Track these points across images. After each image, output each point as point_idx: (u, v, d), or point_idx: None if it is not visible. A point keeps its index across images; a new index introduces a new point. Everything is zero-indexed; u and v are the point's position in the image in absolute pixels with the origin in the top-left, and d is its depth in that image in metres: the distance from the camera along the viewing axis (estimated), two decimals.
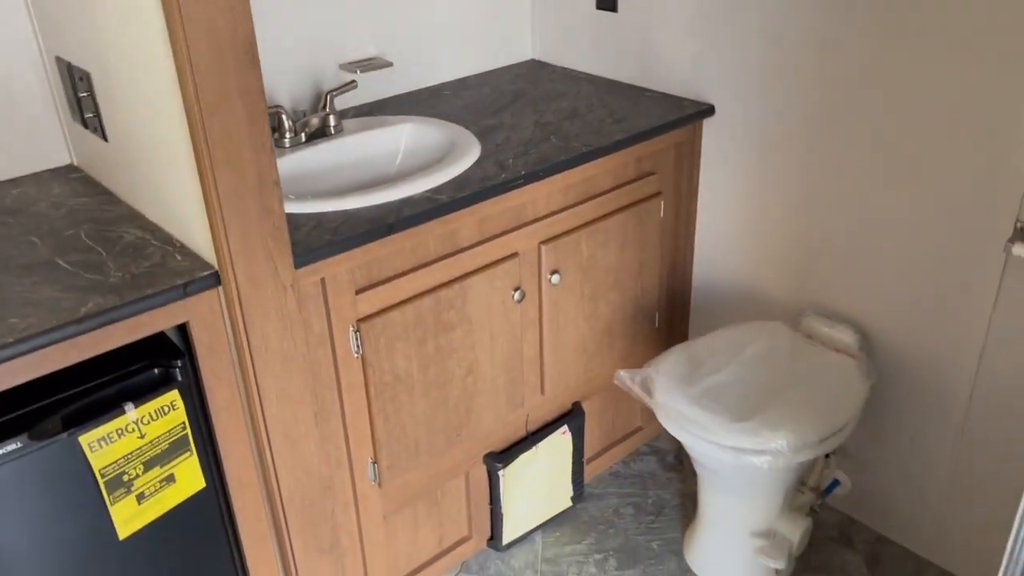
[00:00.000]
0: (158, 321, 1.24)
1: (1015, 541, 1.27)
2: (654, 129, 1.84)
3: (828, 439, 1.63)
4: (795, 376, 1.73)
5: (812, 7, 1.70)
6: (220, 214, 1.18)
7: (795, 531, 1.79)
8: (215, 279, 1.25)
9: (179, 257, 1.31)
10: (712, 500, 1.82)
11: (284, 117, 1.75)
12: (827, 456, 1.96)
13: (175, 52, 1.09)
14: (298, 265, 1.35)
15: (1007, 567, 1.29)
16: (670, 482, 2.16)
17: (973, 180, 1.57)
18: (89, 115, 1.47)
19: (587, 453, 2.12)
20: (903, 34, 1.58)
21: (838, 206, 1.80)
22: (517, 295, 1.73)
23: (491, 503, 1.92)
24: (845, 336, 1.83)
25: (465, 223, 1.61)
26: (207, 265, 1.27)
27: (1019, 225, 1.53)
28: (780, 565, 1.76)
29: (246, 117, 1.14)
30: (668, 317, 2.17)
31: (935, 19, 1.53)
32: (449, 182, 1.60)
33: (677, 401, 1.68)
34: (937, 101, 1.57)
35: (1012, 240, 1.51)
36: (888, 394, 1.86)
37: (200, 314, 1.27)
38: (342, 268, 1.45)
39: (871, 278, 1.80)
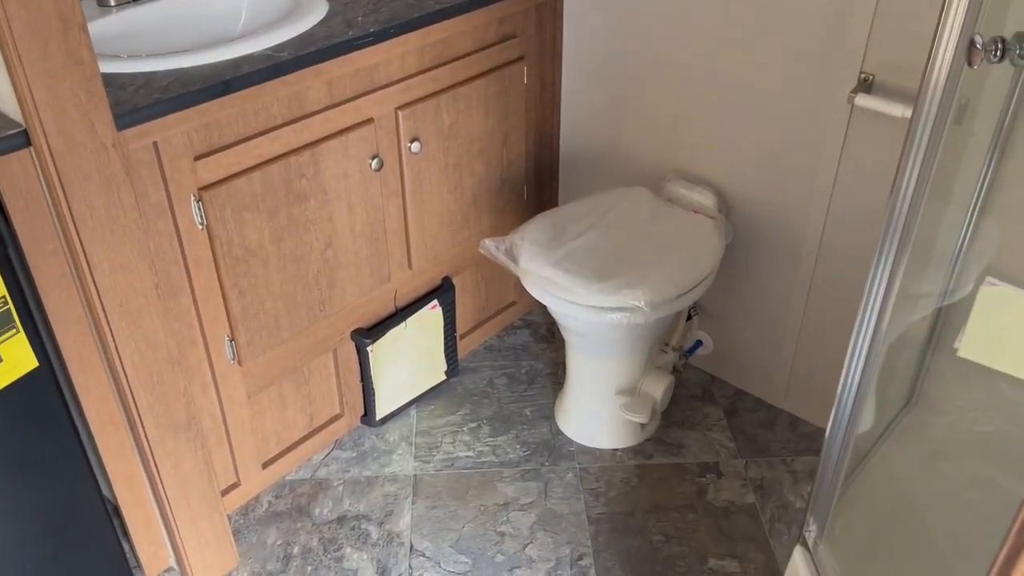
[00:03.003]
0: None
1: (845, 378, 1.35)
2: None
3: (685, 295, 1.67)
4: (654, 237, 1.76)
5: None
6: (18, 60, 1.06)
7: (658, 388, 1.86)
8: (24, 139, 1.14)
9: None
10: (579, 362, 1.86)
11: None
12: (689, 318, 2.02)
13: None
14: (123, 125, 1.25)
15: (839, 404, 1.38)
16: (543, 352, 2.20)
17: (818, 33, 1.59)
18: None
19: (460, 328, 2.12)
20: None
21: (696, 67, 1.80)
22: (375, 163, 1.67)
23: (362, 380, 1.90)
24: (704, 198, 1.86)
25: (312, 84, 1.52)
26: (14, 124, 1.15)
27: (862, 76, 1.56)
28: (643, 419, 1.83)
29: None
30: (536, 187, 2.15)
31: None
32: (292, 40, 1.50)
33: (540, 266, 1.68)
34: None
35: (855, 91, 1.54)
36: (745, 252, 1.92)
37: (11, 177, 1.16)
38: (177, 131, 1.35)
39: (728, 139, 1.82)
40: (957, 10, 0.97)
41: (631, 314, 1.61)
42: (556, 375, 2.13)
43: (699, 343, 2.09)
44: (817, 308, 1.85)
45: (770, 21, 1.64)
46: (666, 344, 1.99)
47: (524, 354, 2.20)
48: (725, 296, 2.00)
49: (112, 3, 1.60)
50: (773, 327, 1.95)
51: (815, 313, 1.86)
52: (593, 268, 1.66)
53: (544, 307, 1.74)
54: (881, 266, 1.24)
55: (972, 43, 0.96)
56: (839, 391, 1.35)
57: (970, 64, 0.97)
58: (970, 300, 1.41)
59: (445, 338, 2.03)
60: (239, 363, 1.62)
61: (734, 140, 1.81)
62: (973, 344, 1.40)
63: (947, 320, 1.59)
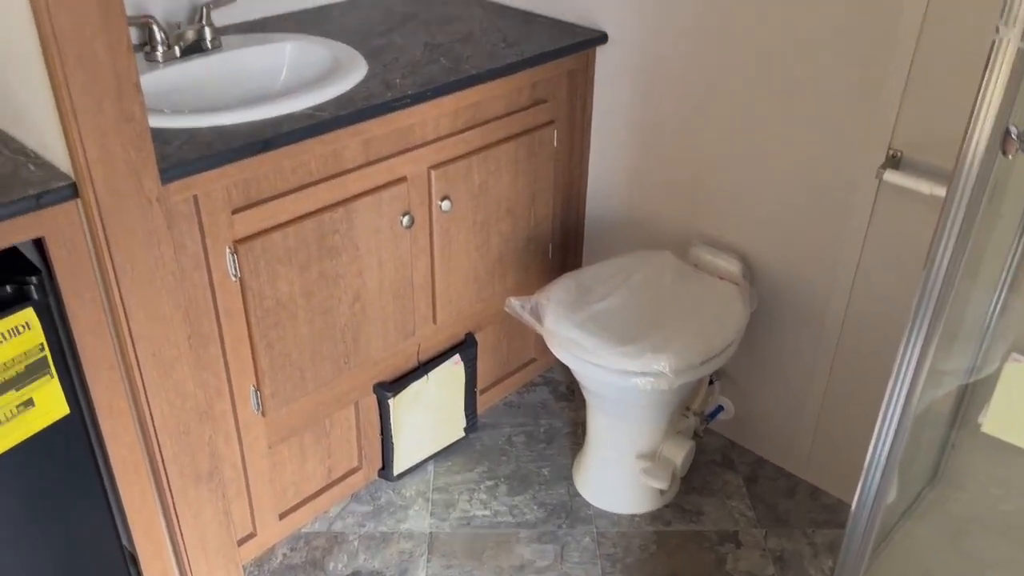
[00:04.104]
0: (8, 235, 1.15)
1: (872, 455, 1.34)
2: (546, 54, 1.81)
3: (709, 361, 1.68)
4: (679, 302, 1.77)
5: None
6: (74, 119, 1.10)
7: (678, 453, 1.85)
8: (72, 190, 1.17)
9: (33, 168, 1.21)
10: (600, 425, 1.86)
11: (156, 29, 1.64)
12: (711, 383, 2.02)
13: None
14: (167, 180, 1.28)
15: (865, 480, 1.36)
16: (562, 411, 2.19)
17: (848, 108, 1.62)
18: None
19: (480, 384, 2.12)
20: None
21: (724, 136, 1.83)
22: (406, 220, 1.70)
23: (382, 433, 1.91)
24: (729, 264, 1.87)
25: (349, 144, 1.55)
26: (63, 176, 1.18)
27: (891, 152, 1.58)
28: (663, 485, 1.81)
29: (98, 10, 1.06)
30: (561, 247, 2.17)
31: None
32: (332, 100, 1.54)
33: (565, 327, 1.69)
34: (816, 30, 1.60)
35: (884, 166, 1.56)
36: (769, 320, 1.92)
37: (57, 229, 1.19)
38: (217, 185, 1.38)
39: (755, 208, 1.84)
40: (992, 100, 0.99)
41: (655, 379, 1.61)
42: (575, 435, 2.12)
43: (720, 408, 2.08)
44: (841, 379, 1.84)
45: (799, 93, 1.67)
46: (687, 408, 1.98)
47: (543, 412, 2.19)
48: (748, 362, 2.00)
49: (160, 59, 1.65)
50: (796, 395, 1.94)
51: (839, 383, 1.85)
52: (618, 331, 1.66)
53: (564, 365, 1.74)
54: (912, 342, 1.24)
55: (1007, 133, 0.98)
56: (866, 466, 1.34)
57: (1004, 153, 0.99)
58: (996, 376, 1.41)
59: (466, 394, 2.03)
60: (263, 413, 1.63)
61: (760, 208, 1.83)
62: (997, 420, 1.39)
63: (972, 396, 1.59)
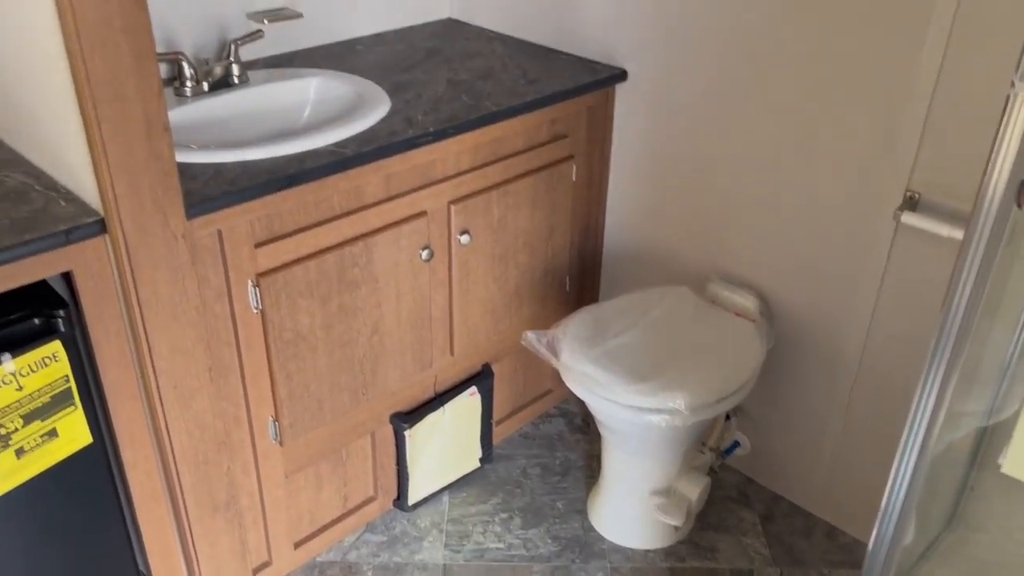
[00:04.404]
0: (38, 269, 1.18)
1: (889, 496, 1.34)
2: (566, 92, 1.83)
3: (724, 400, 1.68)
4: (696, 338, 1.77)
5: None
6: (104, 158, 1.13)
7: (694, 490, 1.84)
8: (100, 226, 1.20)
9: (63, 203, 1.25)
10: (615, 460, 1.86)
11: (185, 65, 1.68)
12: (728, 418, 2.02)
13: None
14: (192, 215, 1.31)
15: (882, 521, 1.36)
16: (577, 443, 2.20)
17: (866, 148, 1.62)
18: None
19: (496, 415, 2.13)
20: (806, 6, 1.61)
21: (743, 174, 1.84)
22: (425, 254, 1.72)
23: (397, 463, 1.92)
24: (746, 301, 1.87)
25: (371, 179, 1.58)
26: (92, 212, 1.22)
27: (908, 194, 1.59)
28: (677, 522, 1.81)
29: (131, 55, 1.09)
30: (579, 280, 2.19)
31: None
32: (355, 136, 1.57)
33: (580, 362, 1.70)
34: (835, 72, 1.61)
35: (901, 208, 1.57)
36: (786, 357, 1.92)
37: (85, 263, 1.22)
38: (240, 220, 1.41)
39: (772, 245, 1.85)
40: (1007, 152, 0.99)
41: (670, 416, 1.61)
42: (590, 468, 2.12)
43: (737, 444, 2.07)
44: (858, 417, 1.84)
45: (818, 132, 1.68)
46: (703, 444, 1.98)
47: (559, 444, 2.19)
48: (765, 398, 2.00)
49: (188, 94, 1.69)
50: (813, 433, 1.93)
51: (856, 422, 1.84)
52: (633, 367, 1.67)
53: (580, 398, 1.75)
54: (929, 384, 1.24)
55: (1022, 185, 0.98)
56: (883, 507, 1.34)
57: (1020, 206, 0.99)
58: (1015, 417, 1.40)
59: (482, 425, 2.04)
60: (280, 443, 1.65)
61: (778, 246, 1.84)
62: (1018, 461, 1.39)
63: (992, 436, 1.57)
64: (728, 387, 1.68)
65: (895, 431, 1.79)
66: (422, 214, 1.69)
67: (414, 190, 1.67)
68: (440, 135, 1.62)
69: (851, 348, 1.79)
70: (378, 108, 1.67)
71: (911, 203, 1.58)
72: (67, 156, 1.23)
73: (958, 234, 1.51)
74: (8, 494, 1.24)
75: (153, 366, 1.30)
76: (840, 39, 1.58)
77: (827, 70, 1.62)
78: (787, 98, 1.70)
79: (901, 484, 1.32)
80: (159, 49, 1.74)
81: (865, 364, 1.78)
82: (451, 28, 2.23)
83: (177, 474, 1.40)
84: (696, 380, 1.64)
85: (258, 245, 1.46)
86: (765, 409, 2.01)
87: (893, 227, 1.63)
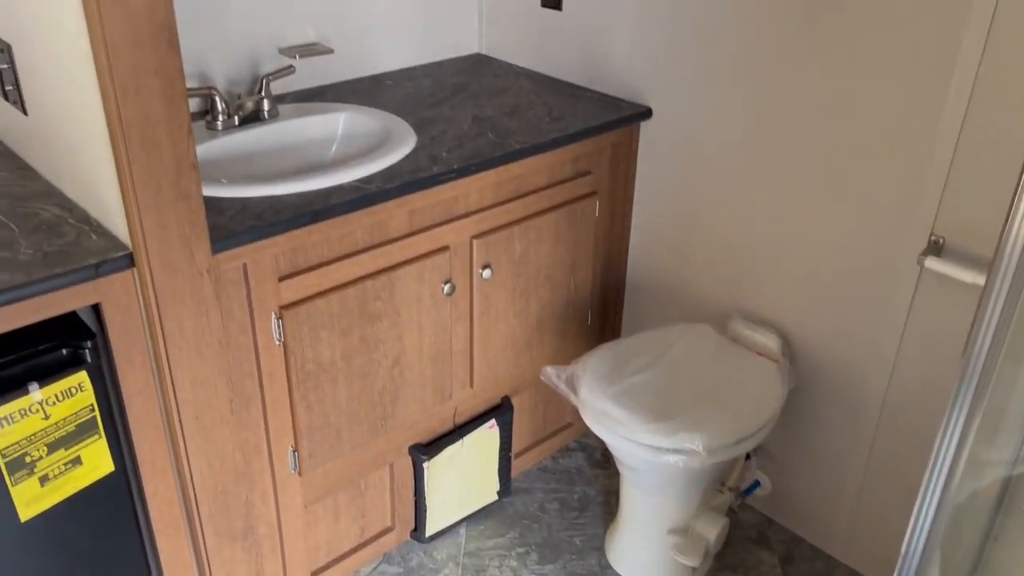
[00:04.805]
0: (68, 301, 1.21)
1: (909, 542, 1.32)
2: (589, 130, 1.85)
3: (743, 441, 1.67)
4: (716, 378, 1.76)
5: (746, 20, 1.72)
6: (134, 196, 1.16)
7: (711, 530, 1.83)
8: (128, 261, 1.23)
9: (95, 237, 1.28)
10: (632, 497, 1.85)
11: (217, 99, 1.72)
12: (748, 458, 2.00)
13: (90, 29, 1.07)
14: (219, 249, 1.34)
15: (902, 567, 1.34)
16: (597, 479, 2.19)
17: (891, 193, 1.62)
18: (9, 88, 1.43)
19: (515, 448, 2.13)
20: (830, 50, 1.61)
21: (766, 213, 1.84)
22: (447, 288, 1.74)
23: (415, 494, 1.92)
24: (768, 341, 1.86)
25: (395, 214, 1.60)
26: (122, 246, 1.25)
27: (932, 238, 1.58)
28: (694, 563, 1.79)
29: (163, 98, 1.13)
30: (601, 314, 2.19)
31: (859, 36, 1.56)
32: (380, 172, 1.60)
33: (599, 399, 1.70)
34: (860, 116, 1.61)
35: (925, 253, 1.55)
36: (808, 399, 1.90)
37: (113, 296, 1.25)
38: (265, 254, 1.44)
39: (795, 285, 1.84)
40: None
41: (687, 457, 1.61)
42: (609, 504, 2.11)
43: (757, 484, 2.05)
44: (880, 461, 1.81)
45: (843, 175, 1.68)
46: (722, 484, 1.96)
47: (578, 479, 2.19)
48: (786, 439, 1.98)
49: (220, 128, 1.73)
50: (835, 475, 1.91)
51: (878, 466, 1.82)
52: (652, 406, 1.67)
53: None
54: (951, 429, 1.22)
55: None
56: (903, 553, 1.32)
57: None
58: None
59: (500, 458, 2.04)
60: (300, 473, 1.66)
61: (801, 286, 1.83)
62: None
63: (1018, 484, 1.55)
64: (747, 428, 1.67)
65: (918, 476, 1.76)
66: (444, 248, 1.71)
67: (437, 225, 1.69)
68: (463, 172, 1.64)
69: (874, 391, 1.77)
70: (404, 144, 1.70)
71: (935, 248, 1.57)
72: (99, 192, 1.26)
73: (982, 280, 1.49)
74: (31, 520, 1.26)
75: (175, 397, 1.32)
76: (866, 81, 1.59)
77: (852, 113, 1.62)
78: (812, 140, 1.70)
79: (921, 530, 1.30)
80: (193, 84, 1.79)
81: (888, 408, 1.76)
82: (479, 63, 2.26)
83: (196, 503, 1.42)
84: (715, 421, 1.64)
85: (282, 278, 1.49)
86: (786, 449, 1.99)
87: (917, 272, 1.62)
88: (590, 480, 2.18)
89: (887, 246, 1.65)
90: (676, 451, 1.61)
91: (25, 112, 1.42)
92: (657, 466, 1.67)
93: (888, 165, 1.60)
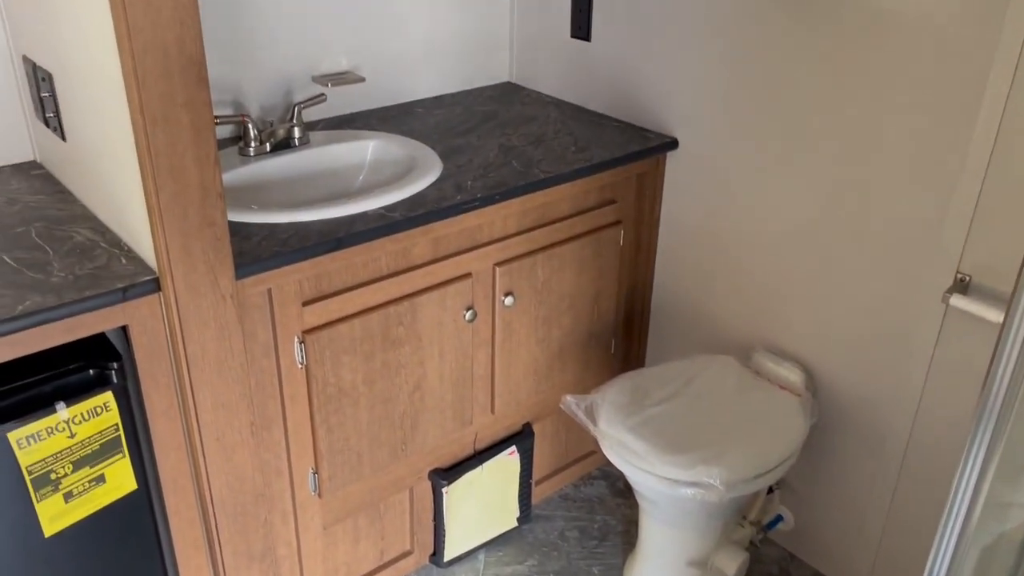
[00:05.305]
0: (96, 323, 1.25)
1: None
2: (614, 160, 1.86)
3: (763, 476, 1.65)
4: (738, 411, 1.75)
5: (773, 56, 1.73)
6: (161, 223, 1.20)
7: (731, 565, 1.81)
8: (154, 285, 1.27)
9: (124, 261, 1.32)
10: (651, 529, 1.84)
11: (250, 126, 1.77)
12: (770, 491, 1.98)
13: (122, 62, 1.11)
14: (244, 275, 1.37)
15: None
16: (618, 508, 2.18)
17: (917, 230, 1.60)
18: (50, 114, 1.49)
19: (537, 474, 2.14)
20: (858, 85, 1.61)
21: (791, 246, 1.83)
22: (469, 315, 1.75)
23: (435, 519, 1.93)
24: (791, 374, 1.85)
25: (418, 241, 1.63)
26: (149, 270, 1.29)
27: (958, 276, 1.56)
28: None
29: (191, 129, 1.17)
30: (625, 343, 2.19)
31: (887, 71, 1.56)
32: (404, 200, 1.62)
33: (617, 430, 1.69)
34: (887, 152, 1.60)
35: (950, 291, 1.53)
36: (831, 433, 1.88)
37: (140, 319, 1.29)
38: (289, 279, 1.47)
39: (820, 319, 1.82)
40: None
41: (705, 491, 1.59)
42: (629, 533, 2.10)
43: (780, 518, 2.03)
44: (905, 498, 1.78)
45: (869, 210, 1.67)
46: (744, 517, 1.94)
47: (599, 507, 2.18)
48: (809, 474, 1.95)
49: (251, 154, 1.77)
50: (858, 511, 1.88)
51: (903, 503, 1.79)
52: (670, 438, 1.66)
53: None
54: (968, 470, 1.20)
55: None
56: None
57: None
58: None
59: (520, 484, 2.05)
60: (319, 495, 1.68)
61: (824, 321, 1.81)
62: None
63: None
64: (767, 463, 1.65)
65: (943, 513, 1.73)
66: (467, 275, 1.73)
67: (460, 252, 1.71)
68: (487, 201, 1.66)
69: (898, 430, 1.74)
70: (430, 172, 1.72)
71: (961, 286, 1.55)
72: (129, 218, 1.30)
73: None
74: (55, 536, 1.30)
75: (197, 419, 1.35)
76: (892, 118, 1.58)
77: (880, 150, 1.61)
78: (838, 175, 1.70)
79: (939, 571, 1.27)
80: (227, 111, 1.84)
81: (913, 445, 1.73)
82: (509, 92, 2.29)
83: (216, 524, 1.45)
84: (734, 455, 1.62)
85: (306, 303, 1.51)
86: (809, 485, 1.96)
87: (943, 310, 1.59)
88: (611, 509, 2.17)
89: (913, 283, 1.63)
90: (694, 484, 1.60)
91: (64, 138, 1.47)
92: (675, 499, 1.66)
93: (914, 202, 1.59)
